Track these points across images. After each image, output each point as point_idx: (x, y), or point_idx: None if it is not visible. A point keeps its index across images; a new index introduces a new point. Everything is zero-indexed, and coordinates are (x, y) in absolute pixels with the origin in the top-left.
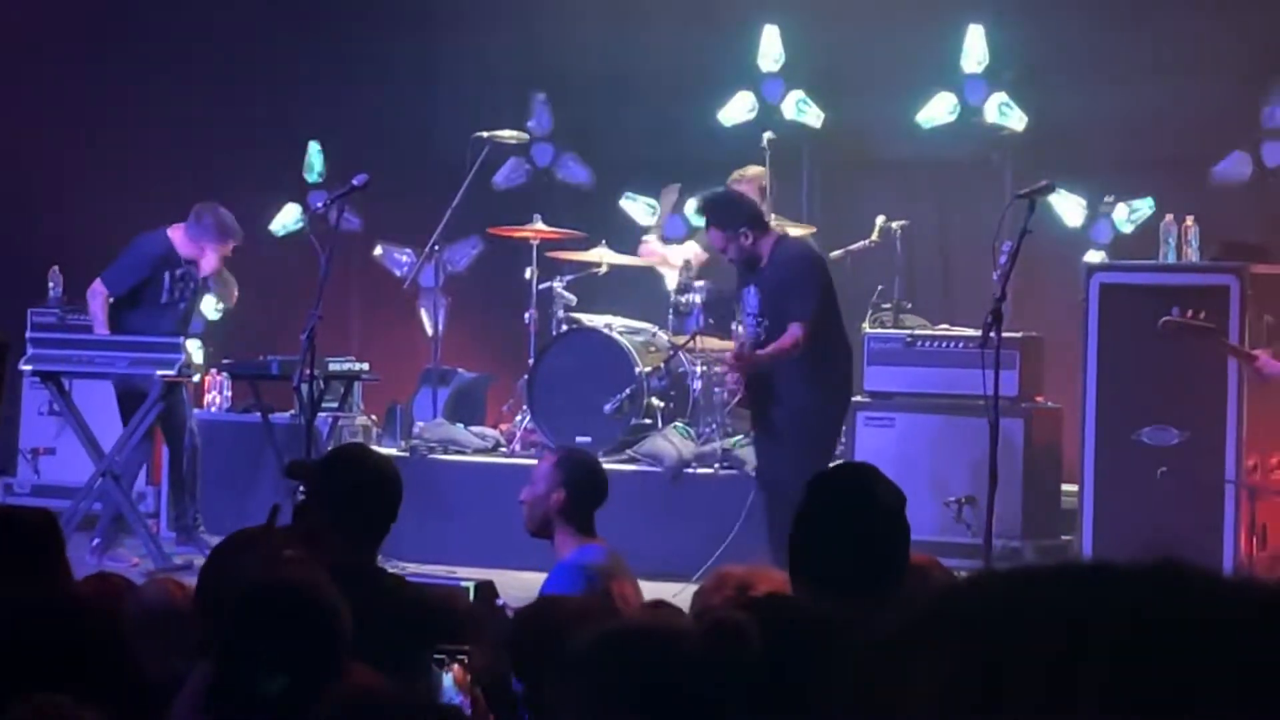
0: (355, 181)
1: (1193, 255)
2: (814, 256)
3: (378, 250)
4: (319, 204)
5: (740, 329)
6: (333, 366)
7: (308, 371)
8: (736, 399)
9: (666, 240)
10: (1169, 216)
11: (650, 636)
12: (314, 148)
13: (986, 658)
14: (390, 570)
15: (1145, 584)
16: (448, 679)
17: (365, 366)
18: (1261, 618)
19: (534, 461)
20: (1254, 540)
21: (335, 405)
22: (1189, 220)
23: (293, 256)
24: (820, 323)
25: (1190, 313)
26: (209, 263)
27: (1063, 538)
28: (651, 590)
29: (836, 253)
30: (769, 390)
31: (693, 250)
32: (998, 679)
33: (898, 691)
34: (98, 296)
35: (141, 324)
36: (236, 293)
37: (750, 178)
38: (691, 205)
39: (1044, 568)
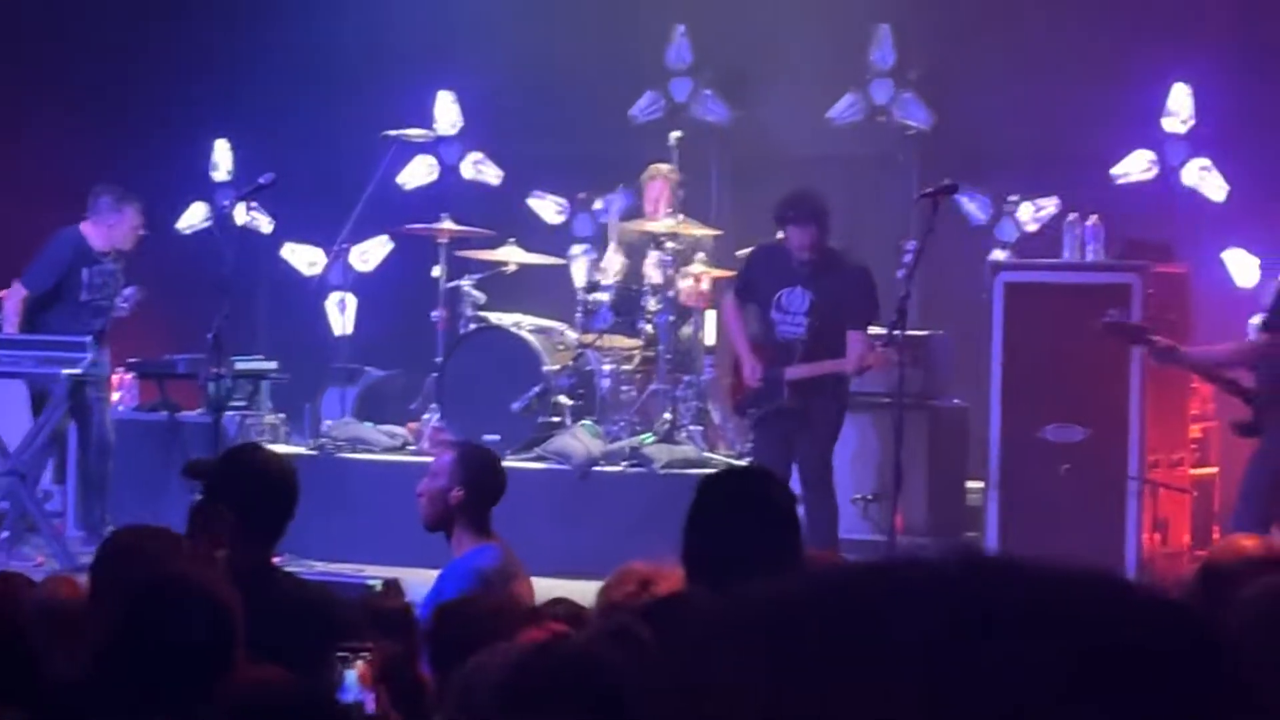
0: (262, 180)
1: (1096, 254)
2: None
3: (286, 249)
4: (226, 202)
5: (764, 326)
6: (240, 365)
7: (215, 370)
8: (783, 399)
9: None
10: (1073, 215)
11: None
12: (221, 146)
13: (771, 659)
14: (288, 569)
15: (946, 579)
16: (351, 676)
17: (273, 365)
18: (1065, 610)
19: None
20: (1156, 536)
21: (243, 404)
22: (1093, 218)
23: (200, 255)
24: None
25: (1119, 311)
26: (120, 236)
27: (968, 534)
28: (561, 588)
29: (744, 251)
30: (826, 392)
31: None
32: (780, 679)
33: (690, 691)
34: (14, 296)
35: (60, 322)
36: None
37: (658, 176)
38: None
39: (861, 567)
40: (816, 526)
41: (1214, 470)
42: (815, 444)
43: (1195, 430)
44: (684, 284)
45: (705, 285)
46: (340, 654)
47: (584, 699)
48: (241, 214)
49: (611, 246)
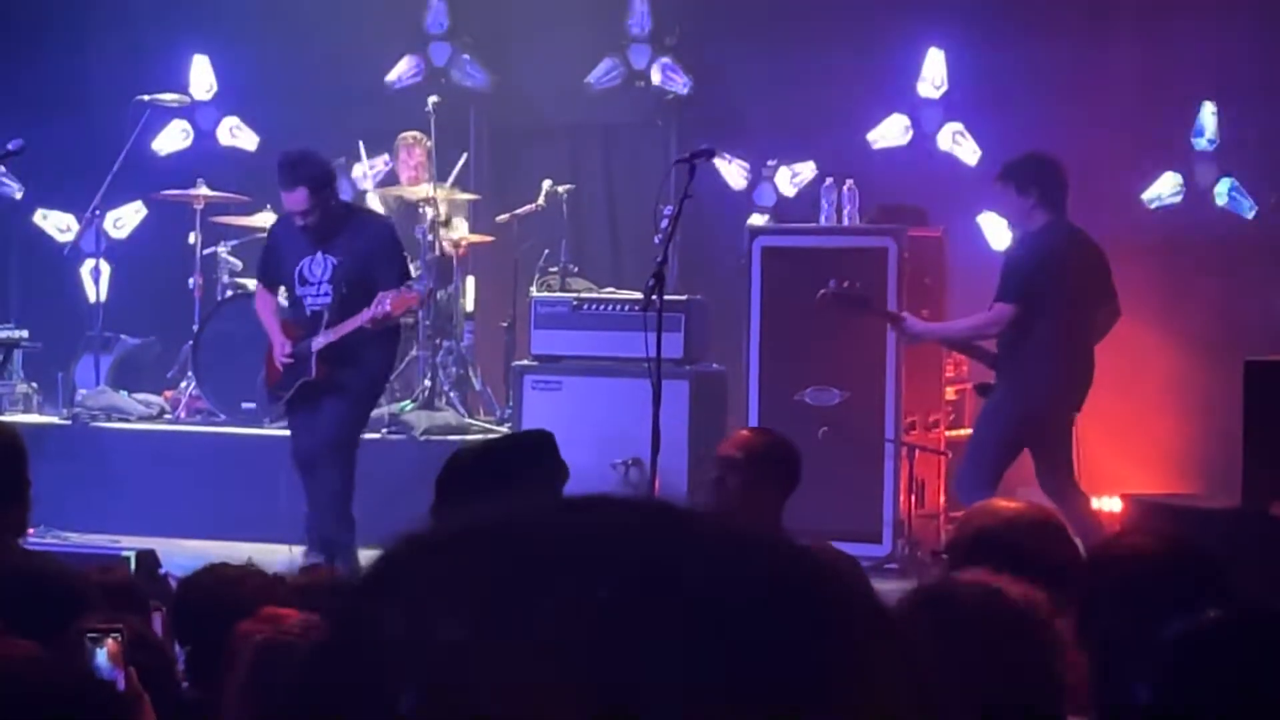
0: (10, 146)
1: (853, 218)
2: None
3: (38, 215)
4: None
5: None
6: None
7: None
8: (310, 374)
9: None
10: (829, 179)
11: None
12: None
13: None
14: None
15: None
16: (101, 654)
17: (25, 334)
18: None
19: (201, 429)
20: (912, 497)
21: None
22: (848, 183)
23: None
24: None
25: (846, 283)
26: None
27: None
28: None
29: (502, 216)
30: (359, 362)
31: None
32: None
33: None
34: None
35: None
36: None
37: (411, 142)
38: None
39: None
40: (315, 499)
41: (969, 432)
42: (333, 413)
43: (950, 393)
44: (442, 250)
45: (464, 251)
46: (90, 633)
47: None
48: None
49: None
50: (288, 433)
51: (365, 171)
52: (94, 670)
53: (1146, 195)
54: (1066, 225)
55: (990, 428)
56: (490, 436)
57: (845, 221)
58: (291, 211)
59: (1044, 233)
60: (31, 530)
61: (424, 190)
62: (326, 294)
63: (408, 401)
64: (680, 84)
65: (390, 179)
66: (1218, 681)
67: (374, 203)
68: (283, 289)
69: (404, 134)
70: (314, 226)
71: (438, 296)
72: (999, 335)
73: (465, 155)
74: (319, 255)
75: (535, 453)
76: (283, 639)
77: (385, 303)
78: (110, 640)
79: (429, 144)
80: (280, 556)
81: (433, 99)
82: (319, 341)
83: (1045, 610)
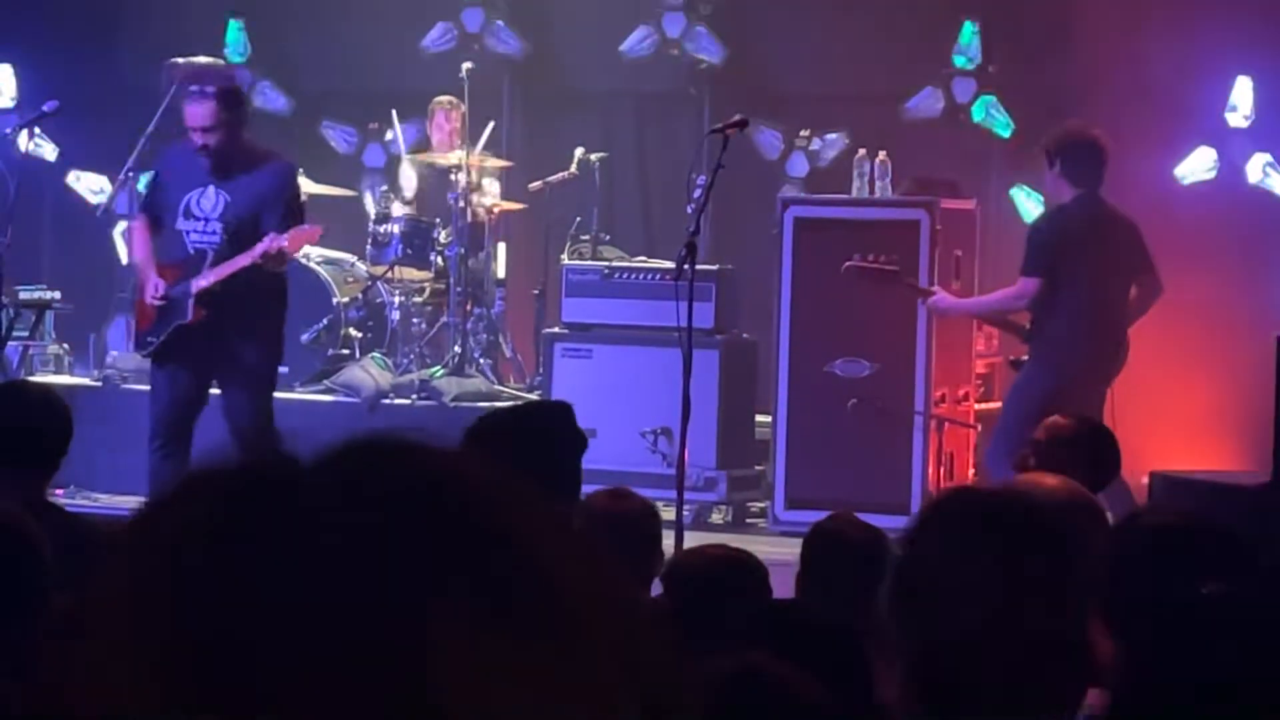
0: (46, 108)
1: (885, 190)
2: None
3: (71, 176)
4: (8, 130)
5: None
6: (23, 295)
7: None
8: (186, 318)
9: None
10: (862, 151)
11: None
12: (4, 71)
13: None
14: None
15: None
16: None
17: (57, 295)
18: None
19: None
20: (941, 470)
21: (26, 334)
22: (881, 155)
23: None
24: None
25: (872, 256)
26: None
27: (756, 467)
28: None
29: (535, 184)
30: (257, 309)
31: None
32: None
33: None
34: None
35: None
36: None
37: (443, 108)
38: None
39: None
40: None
41: (998, 405)
42: (247, 383)
43: (980, 366)
44: (474, 216)
45: (496, 217)
46: None
47: None
48: (24, 141)
49: (404, 177)
50: (318, 397)
51: (398, 136)
52: None
53: (1179, 171)
54: (1093, 199)
55: (1020, 401)
56: (507, 405)
57: (877, 193)
58: (192, 128)
59: (1069, 206)
60: (60, 491)
61: (456, 156)
62: (215, 232)
63: (438, 367)
64: (714, 53)
65: (423, 145)
66: (1236, 655)
67: (406, 168)
68: (166, 223)
69: (439, 98)
70: (213, 156)
71: (469, 263)
72: (1028, 309)
73: (492, 122)
74: (210, 189)
75: (554, 421)
76: None
77: (282, 239)
78: None
79: (463, 109)
80: None
81: (466, 65)
82: (199, 283)
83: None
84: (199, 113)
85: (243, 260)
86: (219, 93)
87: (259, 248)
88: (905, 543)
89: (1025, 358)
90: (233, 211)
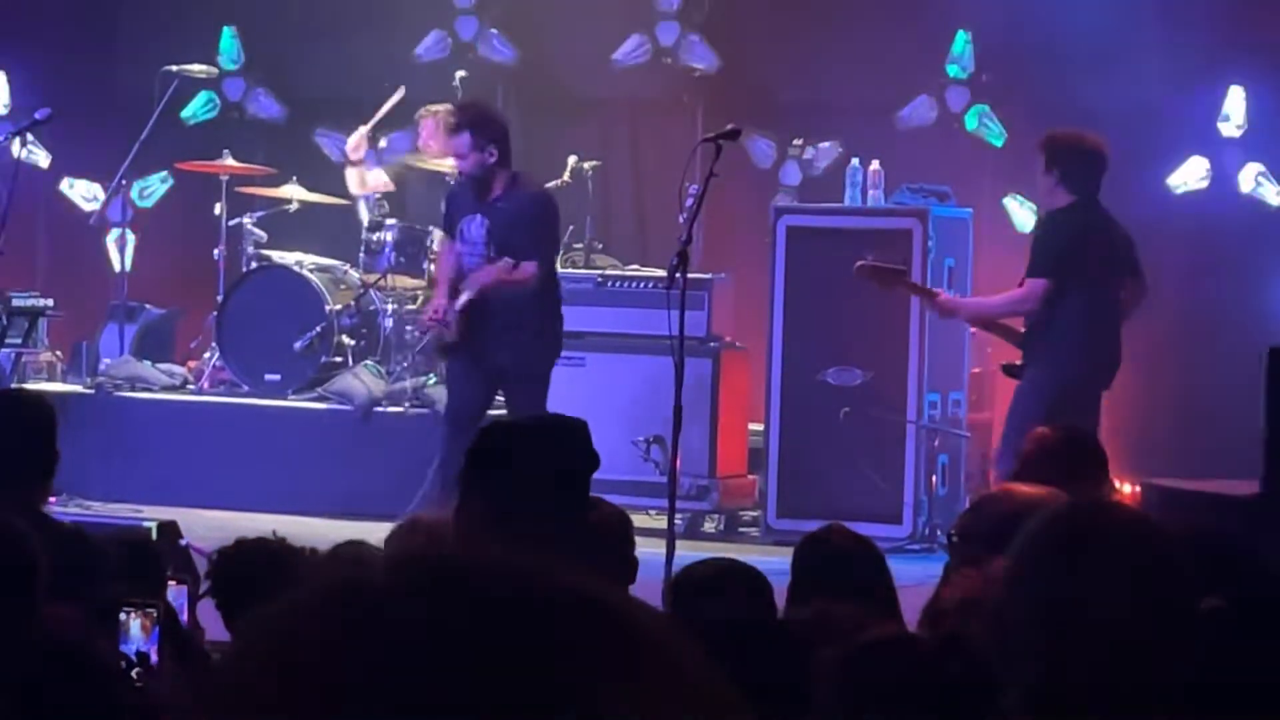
0: (38, 115)
1: (879, 199)
2: None
3: (64, 183)
4: (1, 137)
5: None
6: (16, 301)
7: None
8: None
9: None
10: (854, 160)
11: None
12: None
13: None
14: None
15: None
16: (136, 626)
17: (50, 302)
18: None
19: (224, 400)
20: (933, 478)
21: (19, 341)
22: (875, 164)
23: None
24: None
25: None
26: None
27: (749, 476)
28: (343, 529)
29: None
30: (521, 328)
31: (380, 179)
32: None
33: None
34: None
35: None
36: None
37: (430, 115)
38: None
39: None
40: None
41: (990, 414)
42: (522, 395)
43: (973, 374)
44: None
45: None
46: (126, 606)
47: None
48: (17, 148)
49: (383, 183)
50: (311, 405)
51: (367, 141)
52: (126, 643)
53: (1172, 180)
54: (1094, 205)
55: (1025, 407)
56: (528, 416)
57: (870, 202)
58: (454, 159)
59: (1068, 211)
60: (54, 499)
61: (447, 163)
62: (479, 256)
63: (431, 375)
64: (707, 61)
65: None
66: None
67: (389, 175)
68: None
69: (428, 107)
70: (474, 183)
71: None
72: (1028, 313)
73: None
74: (477, 216)
75: (568, 439)
76: None
77: (509, 270)
78: (144, 614)
79: (448, 118)
80: (303, 529)
81: (460, 74)
82: (460, 301)
83: None
84: (454, 145)
85: (483, 277)
86: (469, 125)
87: (492, 273)
88: (1045, 573)
89: (1019, 363)
90: (494, 238)
